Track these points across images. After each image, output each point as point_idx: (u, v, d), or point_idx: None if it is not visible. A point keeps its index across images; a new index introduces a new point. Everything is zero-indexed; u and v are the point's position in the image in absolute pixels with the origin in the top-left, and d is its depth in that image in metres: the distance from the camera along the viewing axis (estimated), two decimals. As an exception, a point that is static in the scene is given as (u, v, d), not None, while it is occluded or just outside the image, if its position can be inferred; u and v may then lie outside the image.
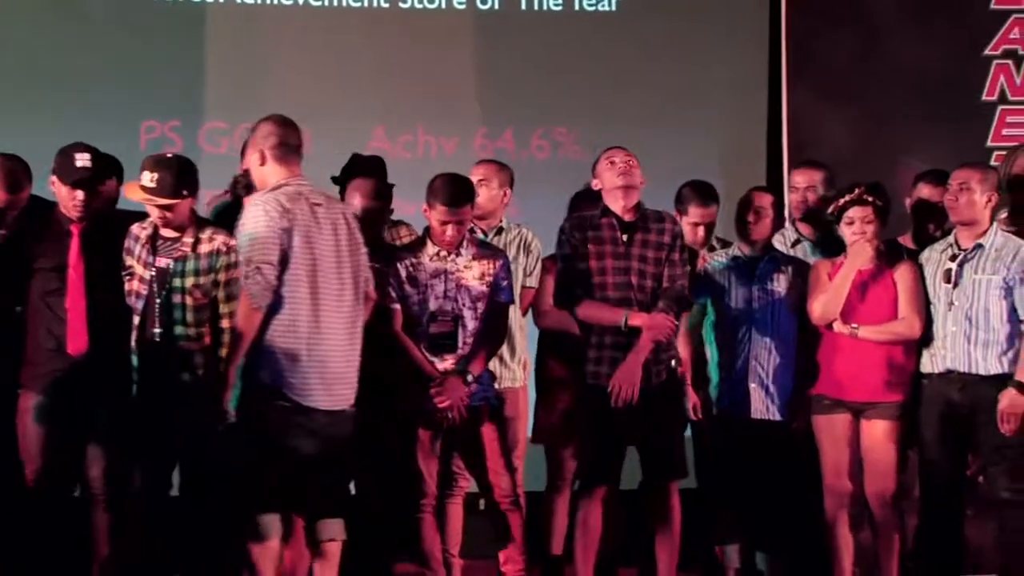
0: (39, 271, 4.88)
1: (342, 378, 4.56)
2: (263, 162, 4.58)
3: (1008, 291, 5.06)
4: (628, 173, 5.07)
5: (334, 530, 4.61)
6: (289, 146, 4.58)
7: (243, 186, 4.96)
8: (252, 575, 4.53)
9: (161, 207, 4.71)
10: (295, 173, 4.58)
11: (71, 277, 4.85)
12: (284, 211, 4.43)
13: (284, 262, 4.43)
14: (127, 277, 4.85)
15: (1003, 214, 5.28)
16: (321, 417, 4.49)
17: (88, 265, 4.86)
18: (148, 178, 4.72)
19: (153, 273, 4.79)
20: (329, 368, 4.52)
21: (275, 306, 4.43)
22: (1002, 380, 5.01)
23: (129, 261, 4.84)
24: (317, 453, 4.50)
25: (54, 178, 4.88)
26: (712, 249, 5.54)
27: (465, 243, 5.12)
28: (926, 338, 5.13)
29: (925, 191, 5.46)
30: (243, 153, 5.10)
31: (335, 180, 5.45)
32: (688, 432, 5.39)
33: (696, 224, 5.54)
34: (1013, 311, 5.06)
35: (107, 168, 5.10)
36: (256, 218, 4.43)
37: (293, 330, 4.45)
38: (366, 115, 6.62)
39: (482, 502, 5.31)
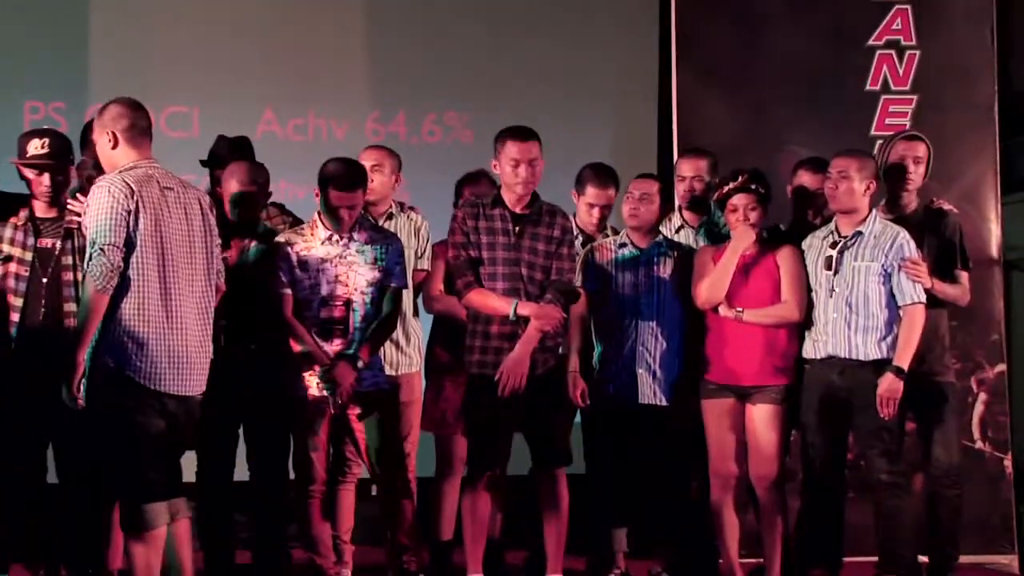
0: None
1: (193, 364, 4.47)
2: (115, 145, 4.47)
3: (887, 277, 5.16)
4: (528, 182, 5.07)
5: (182, 508, 4.52)
6: (140, 128, 4.49)
7: (91, 167, 4.84)
8: (142, 564, 4.42)
9: (53, 173, 4.60)
10: (146, 156, 4.50)
11: None
12: (131, 192, 4.34)
13: (130, 245, 4.33)
14: (1, 263, 4.75)
15: (881, 202, 5.39)
16: (170, 401, 4.41)
17: None
18: (37, 144, 4.60)
19: (34, 254, 4.69)
20: (179, 354, 4.42)
21: (121, 289, 4.32)
22: (881, 365, 5.11)
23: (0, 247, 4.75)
24: (167, 435, 4.42)
25: None
26: (606, 236, 5.57)
27: (357, 227, 5.10)
28: (808, 324, 5.22)
29: (805, 178, 5.53)
30: (84, 138, 4.98)
31: (204, 164, 5.40)
32: (578, 419, 5.43)
33: (592, 205, 5.55)
34: (892, 297, 5.16)
35: None
36: (101, 199, 4.32)
37: (141, 314, 4.34)
38: (256, 97, 6.56)
39: (374, 488, 5.32)
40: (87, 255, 4.31)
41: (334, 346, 5.04)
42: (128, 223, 4.32)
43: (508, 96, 6.68)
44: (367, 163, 5.33)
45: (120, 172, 4.41)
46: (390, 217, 5.50)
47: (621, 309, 5.32)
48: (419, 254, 5.54)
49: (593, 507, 5.33)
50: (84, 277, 4.35)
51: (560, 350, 5.19)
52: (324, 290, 5.04)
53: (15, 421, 4.83)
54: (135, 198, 4.34)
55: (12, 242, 4.76)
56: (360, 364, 5.03)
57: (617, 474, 5.30)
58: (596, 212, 5.56)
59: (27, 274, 4.80)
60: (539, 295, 5.07)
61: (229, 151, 5.34)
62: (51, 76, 6.40)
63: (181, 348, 4.42)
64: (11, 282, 4.79)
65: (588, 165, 5.63)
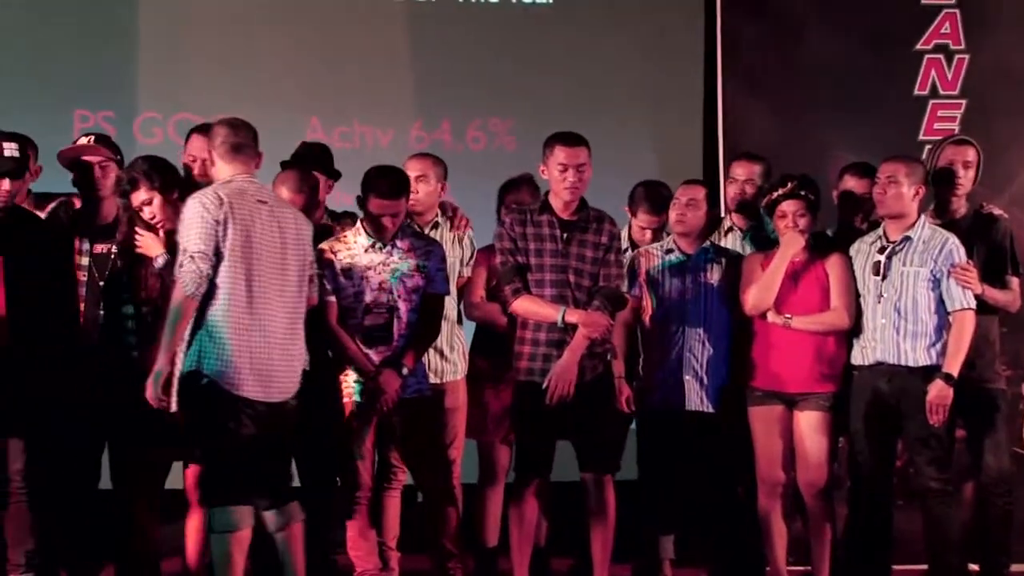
0: None
1: (276, 372, 4.57)
2: (214, 162, 4.71)
3: (936, 283, 5.12)
4: (575, 188, 5.07)
5: (295, 513, 4.66)
6: (235, 145, 4.68)
7: (127, 181, 4.90)
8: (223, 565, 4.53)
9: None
10: (242, 171, 4.67)
11: None
12: (220, 203, 4.50)
13: (219, 254, 4.47)
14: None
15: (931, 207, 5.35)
16: (258, 406, 4.52)
17: (7, 257, 4.80)
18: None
19: (90, 259, 4.85)
20: (262, 361, 4.53)
21: (209, 296, 4.47)
22: (930, 372, 5.07)
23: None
24: (254, 440, 4.53)
25: None
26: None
27: (400, 235, 5.11)
28: (856, 330, 5.18)
29: (851, 183, 5.50)
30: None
31: (284, 165, 5.44)
32: (633, 425, 5.42)
33: (643, 228, 5.58)
34: (941, 303, 5.12)
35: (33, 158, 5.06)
36: (193, 210, 4.50)
37: (226, 321, 4.48)
38: (302, 106, 6.59)
39: (419, 494, 5.32)
40: (178, 262, 4.45)
41: (378, 353, 5.04)
42: (217, 233, 4.46)
43: (552, 102, 6.67)
44: (412, 173, 5.34)
45: (215, 186, 4.60)
46: (435, 226, 5.50)
47: (668, 315, 5.30)
48: (464, 261, 5.54)
49: (640, 514, 5.31)
50: (169, 284, 4.55)
51: (608, 356, 5.17)
52: (367, 298, 5.05)
53: (72, 424, 4.88)
54: (224, 209, 4.49)
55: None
56: (404, 371, 5.03)
57: (664, 480, 5.28)
58: (648, 234, 5.59)
59: (84, 279, 4.85)
60: (586, 302, 5.06)
61: (304, 156, 5.39)
62: (100, 85, 6.46)
63: (265, 356, 4.54)
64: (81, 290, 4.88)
65: (642, 185, 5.64)
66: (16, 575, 4.90)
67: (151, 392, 4.45)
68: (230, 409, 4.49)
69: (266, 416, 4.54)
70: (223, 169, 4.67)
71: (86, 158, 5.02)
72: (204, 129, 5.14)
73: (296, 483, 5.09)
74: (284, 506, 4.63)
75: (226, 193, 4.54)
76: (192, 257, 4.43)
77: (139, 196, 4.87)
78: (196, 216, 4.48)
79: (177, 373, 4.48)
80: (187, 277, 4.42)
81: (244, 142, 4.68)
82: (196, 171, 5.32)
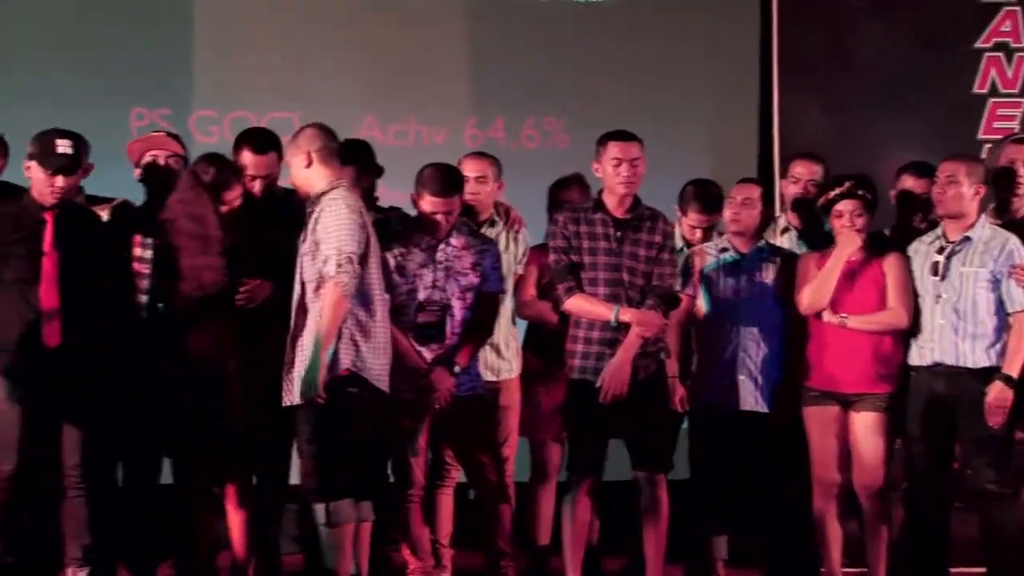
0: (11, 257, 4.84)
1: (386, 368, 4.83)
2: (309, 164, 4.82)
3: (995, 284, 5.06)
4: (630, 182, 5.05)
5: (368, 512, 4.82)
6: (331, 149, 4.84)
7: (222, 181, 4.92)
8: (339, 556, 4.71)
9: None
10: (337, 176, 4.81)
11: (45, 266, 4.83)
12: (361, 207, 4.75)
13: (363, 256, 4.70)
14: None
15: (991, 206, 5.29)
16: (384, 402, 4.78)
17: (62, 253, 4.84)
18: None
19: (153, 252, 4.93)
20: (386, 357, 4.80)
21: (354, 296, 4.68)
22: (988, 373, 5.01)
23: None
24: (375, 435, 4.82)
25: (32, 163, 4.87)
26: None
27: (454, 233, 5.11)
28: (914, 330, 5.14)
29: (908, 182, 5.45)
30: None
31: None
32: (685, 424, 5.40)
33: (694, 227, 5.55)
34: (1000, 304, 5.06)
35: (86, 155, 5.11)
36: (342, 212, 4.66)
37: (366, 320, 4.72)
38: (356, 103, 6.60)
39: (472, 492, 5.33)
40: (332, 263, 4.60)
41: (431, 351, 5.05)
42: (362, 236, 4.69)
43: (607, 101, 6.64)
44: (471, 174, 5.35)
45: (343, 190, 4.77)
46: (491, 224, 5.50)
47: (722, 314, 5.28)
48: (517, 259, 5.54)
49: (692, 513, 5.29)
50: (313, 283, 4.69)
51: (661, 355, 5.15)
52: (421, 295, 5.06)
53: (130, 419, 4.93)
54: (363, 215, 4.74)
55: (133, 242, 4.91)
56: (457, 369, 5.04)
57: (717, 480, 5.25)
58: (699, 233, 5.55)
59: (148, 271, 4.92)
60: (640, 301, 5.04)
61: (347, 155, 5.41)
62: (156, 83, 6.48)
63: (386, 352, 4.79)
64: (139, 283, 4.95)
65: (693, 184, 5.59)
66: (73, 569, 4.95)
67: (302, 389, 4.60)
68: (368, 404, 4.71)
69: (383, 411, 4.76)
70: (321, 173, 4.79)
71: (154, 152, 5.08)
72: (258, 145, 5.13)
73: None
74: (360, 502, 4.76)
75: (355, 200, 4.74)
76: (350, 258, 4.60)
77: (232, 195, 4.91)
78: (345, 218, 4.64)
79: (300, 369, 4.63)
80: (346, 277, 4.59)
81: (339, 148, 4.87)
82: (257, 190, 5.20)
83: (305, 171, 4.82)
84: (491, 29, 6.78)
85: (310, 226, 4.75)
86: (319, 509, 4.73)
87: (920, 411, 5.10)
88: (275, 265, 4.89)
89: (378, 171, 5.40)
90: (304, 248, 4.76)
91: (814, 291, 5.13)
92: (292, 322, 4.77)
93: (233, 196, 4.91)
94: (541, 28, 6.79)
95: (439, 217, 5.04)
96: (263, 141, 5.14)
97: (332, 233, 4.64)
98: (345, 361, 4.68)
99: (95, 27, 6.47)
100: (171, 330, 4.91)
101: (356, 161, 5.22)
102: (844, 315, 5.12)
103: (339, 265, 4.60)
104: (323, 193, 4.76)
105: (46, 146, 4.84)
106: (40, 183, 4.86)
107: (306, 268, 4.75)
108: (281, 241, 4.89)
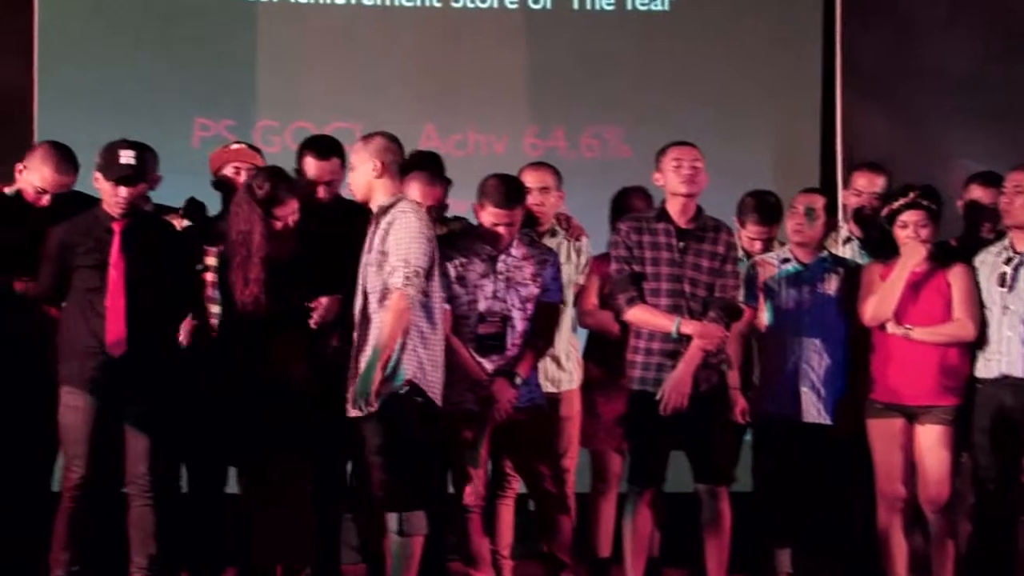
0: (80, 267, 4.90)
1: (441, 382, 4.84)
2: (380, 175, 4.79)
3: (1065, 296, 5.00)
4: (692, 181, 5.03)
5: (423, 524, 4.80)
6: (399, 163, 4.85)
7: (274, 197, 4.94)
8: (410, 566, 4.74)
9: None
10: (400, 189, 4.85)
11: (112, 276, 4.88)
12: (429, 223, 4.78)
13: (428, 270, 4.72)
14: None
15: None
16: (439, 414, 4.79)
17: (128, 264, 4.89)
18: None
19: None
20: (443, 371, 4.81)
21: (418, 307, 4.69)
22: (1057, 385, 4.96)
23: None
24: (437, 447, 4.84)
25: (98, 174, 4.92)
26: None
27: (515, 243, 5.11)
28: (980, 342, 5.08)
29: (976, 192, 5.40)
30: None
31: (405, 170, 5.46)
32: (748, 436, 5.37)
33: (752, 239, 5.52)
34: (1070, 316, 5.01)
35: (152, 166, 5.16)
36: (412, 225, 4.67)
37: (432, 331, 4.74)
38: (417, 114, 6.63)
39: (531, 503, 5.32)
40: (399, 274, 4.61)
41: (491, 363, 5.05)
42: (430, 250, 4.71)
43: (666, 111, 6.63)
44: (535, 185, 5.35)
45: (413, 204, 4.80)
46: (553, 234, 5.50)
47: (784, 326, 5.24)
48: (579, 269, 5.53)
49: (755, 526, 5.25)
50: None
51: (723, 367, 5.12)
52: (482, 306, 5.05)
53: (196, 428, 4.98)
54: (430, 226, 4.76)
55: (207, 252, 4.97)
56: (518, 380, 5.03)
57: (780, 493, 5.21)
58: (758, 244, 5.52)
59: (213, 279, 4.99)
60: (701, 312, 5.01)
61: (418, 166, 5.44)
62: (220, 94, 6.56)
63: (441, 366, 4.80)
64: (209, 291, 4.99)
65: (752, 195, 5.55)
66: None
67: (356, 395, 4.62)
68: (433, 416, 4.73)
69: (438, 422, 4.79)
70: (387, 184, 4.79)
71: (237, 164, 5.17)
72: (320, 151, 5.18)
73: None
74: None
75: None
76: (417, 272, 4.62)
77: (286, 210, 4.91)
78: (416, 231, 4.65)
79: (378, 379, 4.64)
80: (413, 290, 4.61)
81: (401, 162, 4.86)
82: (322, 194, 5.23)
83: (372, 180, 4.80)
84: (550, 38, 6.78)
85: (376, 236, 4.75)
86: (392, 518, 4.73)
87: (987, 424, 5.04)
88: (340, 277, 4.90)
89: (447, 183, 5.42)
90: (369, 258, 4.76)
91: (879, 302, 5.08)
92: (355, 333, 4.78)
93: (287, 212, 4.89)
94: (601, 37, 6.78)
95: (501, 228, 5.03)
96: (326, 147, 5.18)
97: (403, 246, 4.65)
98: (408, 371, 4.69)
99: (161, 41, 6.54)
100: (235, 339, 4.94)
101: (426, 173, 5.24)
102: (909, 326, 5.07)
103: (406, 277, 4.63)
104: (390, 205, 4.77)
105: (110, 157, 4.89)
106: (106, 194, 4.92)
107: (370, 278, 4.75)
108: (347, 252, 4.90)
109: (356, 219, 4.91)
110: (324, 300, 4.93)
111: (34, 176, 5.07)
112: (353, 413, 4.71)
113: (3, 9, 6.40)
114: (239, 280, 4.87)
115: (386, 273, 4.66)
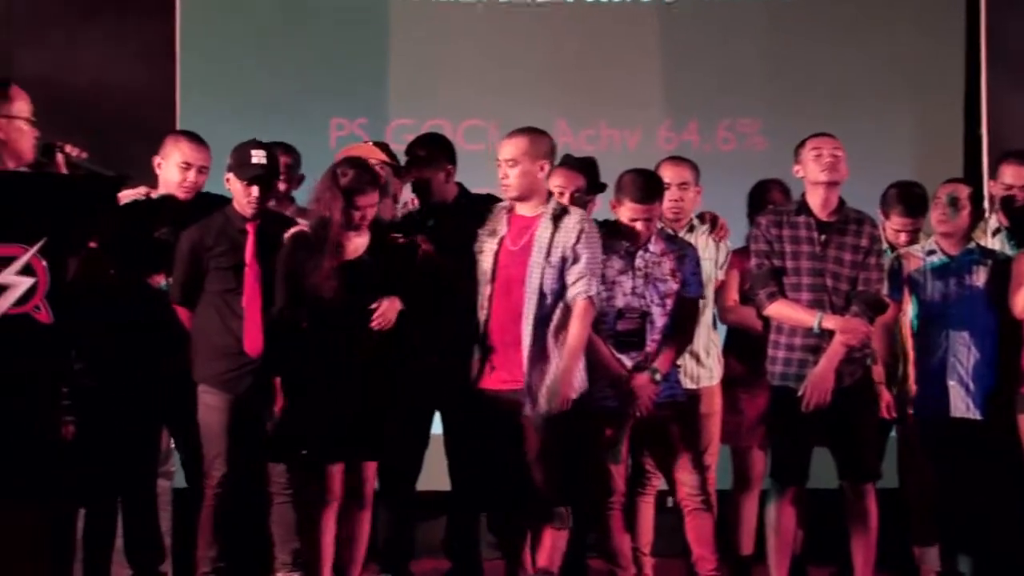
0: (216, 269, 4.96)
1: None
2: (548, 174, 4.94)
3: None
4: (834, 168, 4.95)
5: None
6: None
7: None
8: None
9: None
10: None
11: (247, 276, 4.93)
12: None
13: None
14: None
15: None
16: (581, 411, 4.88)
17: (263, 263, 4.93)
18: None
19: None
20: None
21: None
22: None
23: None
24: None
25: (230, 175, 4.98)
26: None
27: (653, 238, 5.07)
28: None
29: None
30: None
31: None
32: (894, 432, 5.27)
33: (898, 231, 5.42)
34: None
35: (295, 166, 5.20)
36: (595, 234, 4.87)
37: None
38: (548, 109, 6.59)
39: (670, 500, 5.28)
40: (586, 280, 4.80)
41: (631, 359, 5.02)
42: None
43: (803, 102, 6.53)
44: (673, 181, 5.31)
45: (579, 210, 4.95)
46: (690, 229, 5.45)
47: (931, 319, 5.13)
48: (719, 264, 5.47)
49: (903, 524, 5.15)
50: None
51: (868, 361, 5.02)
52: (620, 302, 5.02)
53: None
54: None
55: None
56: (658, 376, 5.00)
57: (928, 490, 5.10)
58: (903, 236, 5.41)
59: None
60: (844, 306, 4.93)
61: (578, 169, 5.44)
62: (354, 94, 6.62)
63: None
64: None
65: (896, 186, 5.46)
66: (283, 574, 5.06)
67: (550, 399, 4.76)
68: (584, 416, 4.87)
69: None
70: (544, 185, 4.92)
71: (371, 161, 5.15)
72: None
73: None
74: None
75: None
76: (597, 278, 4.84)
77: (367, 200, 4.84)
78: (597, 240, 4.86)
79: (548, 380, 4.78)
80: (596, 298, 4.82)
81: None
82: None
83: (538, 177, 4.87)
84: (683, 29, 6.71)
85: (555, 238, 4.81)
86: (558, 514, 4.87)
87: None
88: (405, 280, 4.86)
89: (601, 188, 5.42)
90: (552, 259, 4.81)
91: (1031, 294, 4.95)
92: (530, 332, 4.81)
93: (367, 203, 4.79)
94: (735, 27, 6.69)
95: (639, 224, 5.00)
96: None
97: (594, 253, 4.83)
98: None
99: (298, 43, 6.62)
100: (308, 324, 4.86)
101: (585, 176, 5.25)
102: (1062, 319, 4.93)
103: (590, 285, 4.78)
104: (564, 211, 4.86)
105: (242, 157, 4.94)
106: (238, 194, 4.97)
107: (547, 279, 4.81)
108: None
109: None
110: (385, 302, 4.81)
111: (174, 157, 5.10)
112: (527, 412, 4.77)
113: (145, 14, 6.53)
114: (309, 268, 4.77)
115: (573, 277, 4.79)
